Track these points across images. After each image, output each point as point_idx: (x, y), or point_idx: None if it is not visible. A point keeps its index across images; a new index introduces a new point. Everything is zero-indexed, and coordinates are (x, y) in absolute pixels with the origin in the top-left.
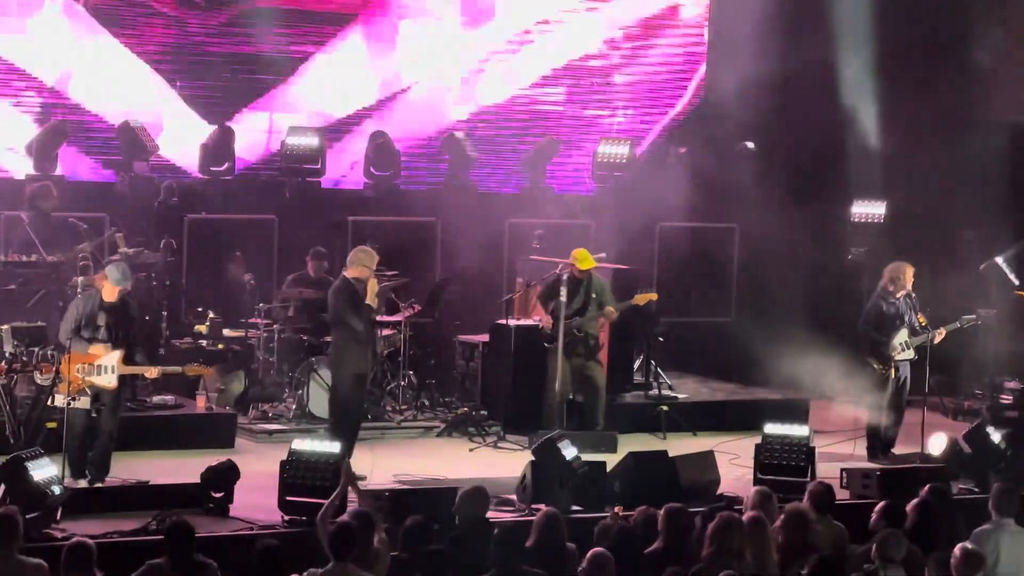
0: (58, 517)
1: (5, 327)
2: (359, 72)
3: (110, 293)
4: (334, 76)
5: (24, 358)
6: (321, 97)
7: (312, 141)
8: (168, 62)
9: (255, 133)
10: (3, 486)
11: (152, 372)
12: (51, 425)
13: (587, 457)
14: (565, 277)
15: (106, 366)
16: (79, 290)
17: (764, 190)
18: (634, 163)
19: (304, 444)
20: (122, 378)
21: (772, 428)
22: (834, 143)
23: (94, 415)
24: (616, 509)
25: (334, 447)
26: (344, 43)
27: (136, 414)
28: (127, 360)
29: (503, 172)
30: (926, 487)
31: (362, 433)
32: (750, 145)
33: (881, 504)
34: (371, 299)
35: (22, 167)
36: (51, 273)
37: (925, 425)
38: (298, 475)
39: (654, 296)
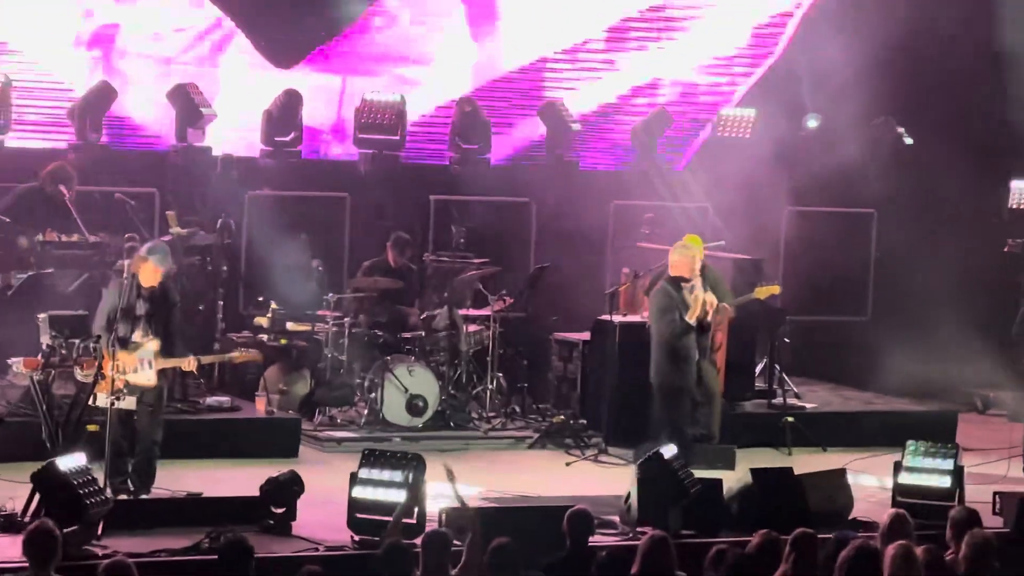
0: (99, 532)
1: (42, 316)
2: (450, 33)
3: (150, 278)
4: (421, 36)
5: (63, 351)
6: (404, 59)
7: (392, 108)
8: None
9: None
10: (38, 496)
11: (189, 364)
12: (92, 428)
13: (701, 474)
14: None
15: (143, 361)
16: (124, 276)
17: (907, 171)
18: (760, 135)
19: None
20: (162, 374)
21: (914, 444)
22: (991, 117)
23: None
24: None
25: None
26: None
27: (188, 417)
28: (164, 352)
29: (608, 146)
30: None
31: (444, 444)
32: (905, 137)
33: None
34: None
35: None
36: (94, 255)
37: None
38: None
39: (776, 289)
